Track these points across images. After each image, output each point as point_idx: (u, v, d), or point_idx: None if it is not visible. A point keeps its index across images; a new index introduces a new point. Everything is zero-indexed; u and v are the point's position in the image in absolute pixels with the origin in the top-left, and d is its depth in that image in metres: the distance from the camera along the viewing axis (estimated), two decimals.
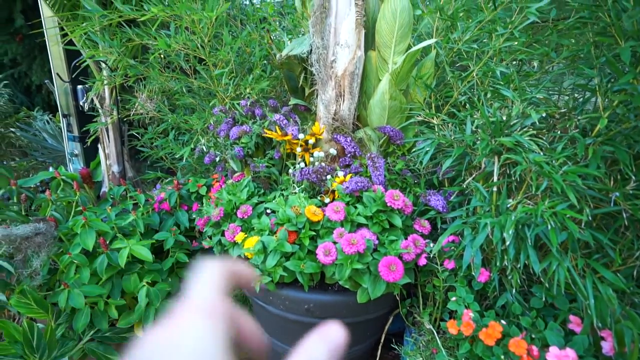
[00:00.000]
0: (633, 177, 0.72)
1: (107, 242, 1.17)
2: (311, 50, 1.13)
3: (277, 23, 1.52)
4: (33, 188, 1.67)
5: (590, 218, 0.70)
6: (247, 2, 1.81)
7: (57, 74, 1.77)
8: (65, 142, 1.98)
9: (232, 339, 0.19)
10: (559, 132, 0.88)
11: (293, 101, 1.25)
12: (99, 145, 1.86)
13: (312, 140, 1.13)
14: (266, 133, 1.15)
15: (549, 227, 0.67)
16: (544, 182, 0.72)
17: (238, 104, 1.26)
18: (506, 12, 0.97)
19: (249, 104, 1.25)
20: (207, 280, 0.22)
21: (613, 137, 0.76)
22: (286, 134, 1.12)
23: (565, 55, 0.93)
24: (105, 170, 1.87)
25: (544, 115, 0.83)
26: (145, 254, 1.15)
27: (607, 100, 0.78)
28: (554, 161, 0.73)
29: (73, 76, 1.73)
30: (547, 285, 0.75)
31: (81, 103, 1.78)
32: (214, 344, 0.17)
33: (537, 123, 0.80)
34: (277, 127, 1.15)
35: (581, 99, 0.96)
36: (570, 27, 0.92)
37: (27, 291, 1.04)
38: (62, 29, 1.60)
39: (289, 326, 1.05)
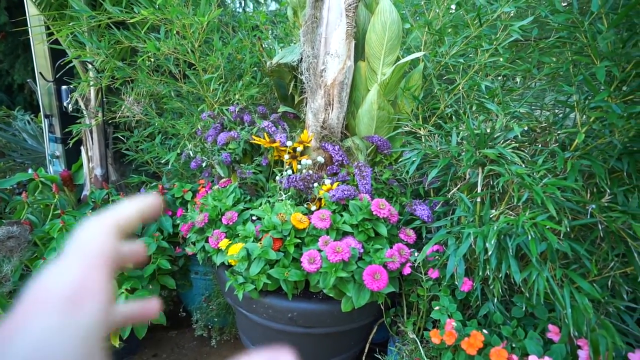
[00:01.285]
0: (608, 191, 0.75)
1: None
2: (301, 58, 1.14)
3: (269, 31, 1.53)
4: (9, 190, 1.62)
5: (568, 229, 0.73)
6: (240, 10, 1.82)
7: (40, 73, 1.73)
8: (46, 143, 1.92)
9: (102, 319, 0.16)
10: (539, 146, 0.91)
11: (282, 109, 1.26)
12: (82, 148, 1.81)
13: (300, 148, 1.13)
14: (254, 139, 1.15)
15: (530, 237, 0.69)
16: (525, 194, 0.75)
17: (227, 109, 1.25)
18: (491, 29, 1.00)
19: (237, 110, 1.25)
20: (78, 251, 0.18)
21: (590, 151, 0.79)
22: (274, 141, 1.12)
23: (546, 72, 0.97)
24: (87, 173, 1.83)
25: (526, 129, 0.86)
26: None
27: (584, 116, 0.81)
28: (535, 173, 0.75)
29: (57, 76, 1.69)
30: (527, 294, 0.77)
31: (65, 104, 1.74)
32: (60, 343, 0.14)
33: (520, 136, 0.83)
34: (265, 133, 1.15)
35: (561, 115, 1.00)
36: (550, 45, 0.96)
37: None
38: (47, 27, 1.57)
39: (272, 335, 1.03)
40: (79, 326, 0.15)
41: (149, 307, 0.24)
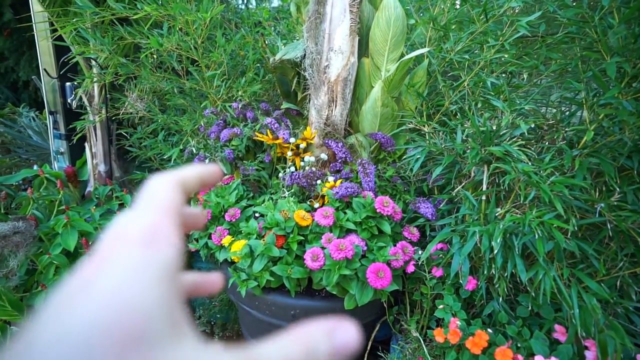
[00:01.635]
0: (617, 189, 0.73)
1: (90, 243, 1.14)
2: (305, 55, 1.13)
3: (272, 27, 1.52)
4: (15, 186, 1.62)
5: (576, 228, 0.71)
6: (243, 7, 1.81)
7: (45, 70, 1.73)
8: (50, 140, 1.93)
9: (177, 264, 0.16)
10: (546, 143, 0.89)
11: (285, 105, 1.25)
12: (86, 144, 1.82)
13: (303, 145, 1.13)
14: (257, 136, 1.14)
15: (536, 236, 0.68)
16: (532, 192, 0.73)
17: (230, 106, 1.25)
18: (497, 25, 0.99)
19: (240, 106, 1.24)
20: (149, 200, 0.18)
21: (599, 149, 0.78)
22: (277, 138, 1.12)
23: (553, 68, 0.95)
24: (91, 170, 1.83)
25: (532, 126, 0.85)
26: None
27: (593, 113, 0.79)
28: (541, 171, 0.74)
29: (61, 73, 1.69)
30: (533, 294, 0.76)
31: (69, 100, 1.74)
32: (144, 278, 0.14)
33: (526, 134, 0.81)
34: (268, 130, 1.14)
35: (567, 112, 0.98)
36: (558, 41, 0.94)
37: (2, 292, 1.00)
38: (52, 24, 1.57)
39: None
40: (159, 263, 0.15)
41: (211, 280, 0.24)
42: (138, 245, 0.15)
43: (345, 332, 0.17)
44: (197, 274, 0.23)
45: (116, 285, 0.14)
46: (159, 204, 0.18)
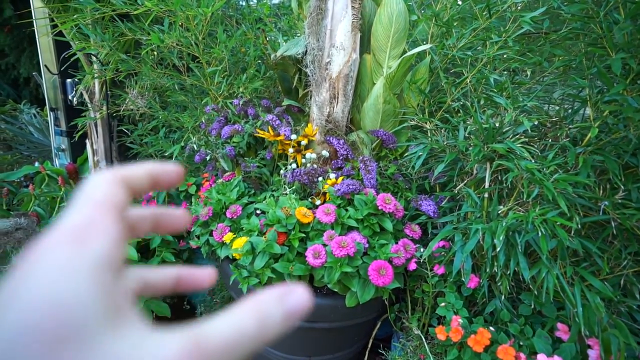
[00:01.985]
0: (622, 187, 0.73)
1: None
2: (306, 51, 1.12)
3: (273, 24, 1.51)
4: (16, 182, 1.62)
5: (579, 226, 0.71)
6: (243, 3, 1.80)
7: (46, 66, 1.73)
8: (52, 137, 1.93)
9: (115, 257, 0.16)
10: (550, 141, 0.88)
11: (286, 102, 1.24)
12: (87, 141, 1.81)
13: (304, 142, 1.12)
14: (258, 133, 1.14)
15: (540, 234, 0.67)
16: (535, 190, 0.73)
17: (231, 102, 1.24)
18: (500, 21, 0.98)
19: (241, 103, 1.23)
20: (85, 197, 0.17)
21: (603, 146, 0.77)
22: (278, 135, 1.11)
23: (557, 65, 0.94)
24: (92, 166, 1.83)
25: (535, 123, 0.84)
26: (131, 252, 1.12)
27: (597, 110, 0.79)
28: (545, 169, 0.73)
29: (62, 69, 1.69)
30: (535, 292, 0.75)
31: (70, 97, 1.74)
32: (73, 273, 0.14)
33: (529, 131, 0.81)
34: (269, 127, 1.13)
35: (570, 110, 0.98)
36: (562, 38, 0.93)
37: None
38: (52, 20, 1.57)
39: None
40: (92, 258, 0.15)
41: (201, 275, 0.23)
42: (69, 242, 0.15)
43: (297, 295, 0.17)
44: (185, 268, 0.23)
45: (44, 284, 0.13)
46: (95, 199, 0.17)
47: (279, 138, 1.11)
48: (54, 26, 1.52)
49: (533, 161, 0.75)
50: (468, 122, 0.90)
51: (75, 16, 1.32)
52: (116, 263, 0.16)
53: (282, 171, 1.11)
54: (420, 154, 0.92)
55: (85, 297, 0.13)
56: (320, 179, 1.05)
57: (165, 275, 0.22)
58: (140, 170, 0.20)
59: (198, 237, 1.14)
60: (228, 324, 0.15)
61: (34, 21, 1.65)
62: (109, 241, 0.16)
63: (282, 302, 0.17)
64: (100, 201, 0.17)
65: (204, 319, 0.16)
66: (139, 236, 0.22)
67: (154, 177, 0.21)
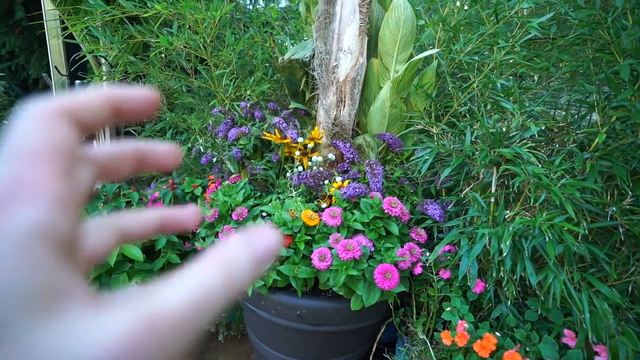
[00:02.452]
0: (630, 193, 0.72)
1: None
2: (313, 55, 1.13)
3: (281, 27, 1.52)
4: None
5: (586, 232, 0.71)
6: (251, 7, 1.82)
7: (55, 67, 1.75)
8: None
9: (55, 221, 0.12)
10: (557, 146, 0.88)
11: (293, 105, 1.25)
12: (94, 142, 1.83)
13: (311, 145, 1.13)
14: (265, 135, 1.14)
15: (547, 239, 0.67)
16: (542, 195, 0.73)
17: (238, 105, 1.25)
18: (507, 26, 0.98)
19: (248, 105, 1.24)
20: (13, 145, 0.13)
21: (610, 152, 0.77)
22: (285, 137, 1.12)
23: (565, 70, 0.94)
24: None
25: (542, 128, 0.84)
26: (136, 253, 1.13)
27: (604, 116, 0.78)
28: (552, 174, 0.73)
29: (71, 70, 1.71)
30: (542, 298, 0.75)
31: None
32: None
33: (536, 136, 0.81)
34: (276, 130, 1.14)
35: (577, 115, 0.97)
36: (570, 43, 0.93)
37: None
38: (62, 22, 1.59)
39: (280, 332, 1.03)
40: (17, 228, 0.12)
41: (184, 214, 0.20)
42: None
43: (264, 236, 0.15)
44: (165, 209, 0.20)
45: None
46: (24, 148, 0.13)
47: (285, 141, 1.12)
48: (64, 28, 1.54)
49: (540, 166, 0.75)
50: (475, 127, 0.90)
51: (85, 18, 1.34)
52: (57, 231, 0.12)
53: (288, 174, 1.11)
54: (426, 158, 0.92)
55: (6, 282, 0.11)
56: (326, 182, 1.05)
57: (146, 219, 0.20)
58: (94, 96, 0.15)
59: (204, 239, 1.15)
60: (190, 283, 0.13)
61: (45, 23, 1.68)
62: (45, 205, 0.12)
63: (249, 246, 0.15)
64: (32, 150, 0.13)
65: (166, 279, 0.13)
66: (120, 177, 0.18)
67: (116, 101, 0.16)
